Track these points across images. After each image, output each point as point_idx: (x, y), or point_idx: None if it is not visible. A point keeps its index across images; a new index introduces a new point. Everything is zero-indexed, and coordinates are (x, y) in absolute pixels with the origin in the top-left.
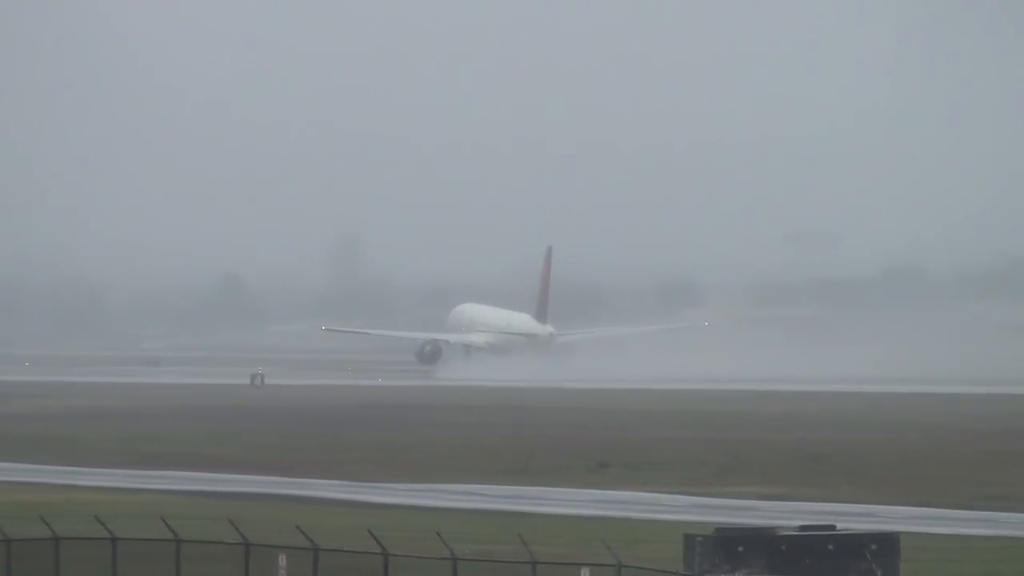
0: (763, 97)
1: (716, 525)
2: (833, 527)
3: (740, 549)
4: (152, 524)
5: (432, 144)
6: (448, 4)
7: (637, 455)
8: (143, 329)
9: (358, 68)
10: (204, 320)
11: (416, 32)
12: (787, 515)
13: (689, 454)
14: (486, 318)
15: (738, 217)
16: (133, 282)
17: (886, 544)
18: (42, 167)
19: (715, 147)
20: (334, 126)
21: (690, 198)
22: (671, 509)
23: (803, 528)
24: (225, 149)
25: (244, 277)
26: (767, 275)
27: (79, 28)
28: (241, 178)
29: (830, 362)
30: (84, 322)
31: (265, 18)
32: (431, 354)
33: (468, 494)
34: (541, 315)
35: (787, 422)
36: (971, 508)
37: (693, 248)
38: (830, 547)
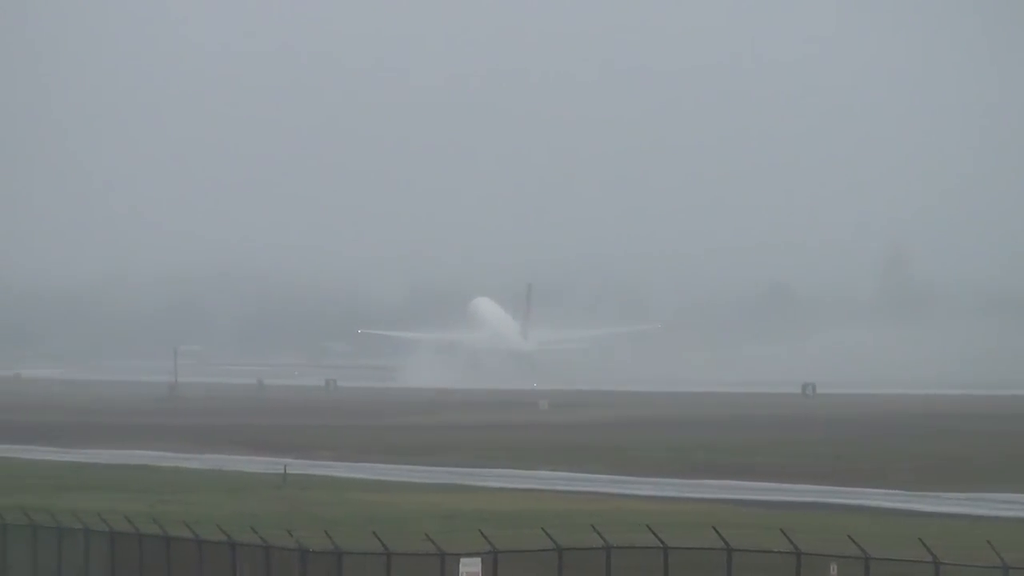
0: None
1: None
2: None
3: None
4: (703, 533)
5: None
6: None
7: None
8: (687, 338)
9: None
10: (750, 329)
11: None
12: None
13: None
14: (489, 320)
15: None
16: (676, 291)
17: None
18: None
19: None
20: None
21: None
22: None
23: None
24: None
25: (793, 286)
26: None
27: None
28: (792, 188)
29: None
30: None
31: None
32: None
33: (1018, 503)
34: (525, 332)
35: None
36: None
37: None
38: None
